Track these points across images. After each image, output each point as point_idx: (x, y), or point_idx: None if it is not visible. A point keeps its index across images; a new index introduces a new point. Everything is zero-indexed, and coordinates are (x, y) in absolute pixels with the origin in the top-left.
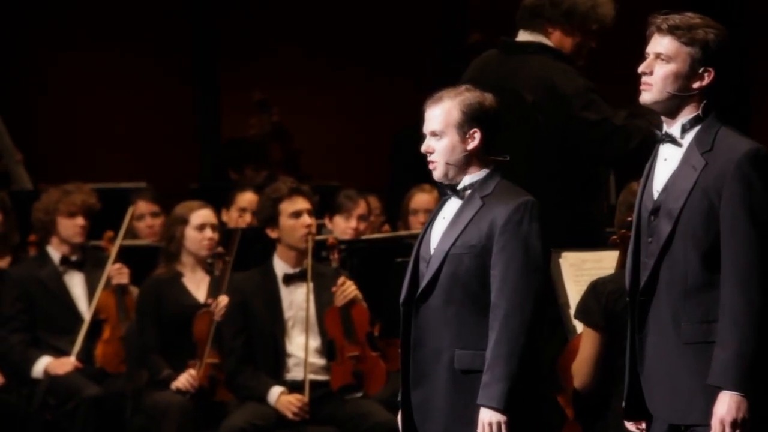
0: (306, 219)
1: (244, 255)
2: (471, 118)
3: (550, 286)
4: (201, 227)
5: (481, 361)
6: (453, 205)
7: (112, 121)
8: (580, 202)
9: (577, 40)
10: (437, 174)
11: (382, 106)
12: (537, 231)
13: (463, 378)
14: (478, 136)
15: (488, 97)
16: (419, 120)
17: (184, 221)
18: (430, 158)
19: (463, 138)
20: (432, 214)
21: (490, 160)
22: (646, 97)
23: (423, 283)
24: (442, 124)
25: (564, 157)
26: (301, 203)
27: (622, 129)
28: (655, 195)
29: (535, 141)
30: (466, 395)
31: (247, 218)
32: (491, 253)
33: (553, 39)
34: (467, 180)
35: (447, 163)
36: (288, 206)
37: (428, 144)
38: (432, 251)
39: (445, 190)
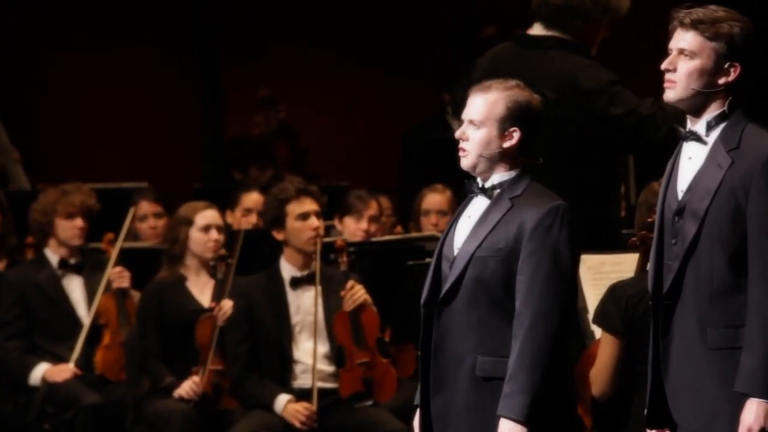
0: (314, 221)
1: (250, 257)
2: (515, 116)
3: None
4: (206, 228)
5: (503, 369)
6: (479, 204)
7: (112, 120)
8: (599, 202)
9: (602, 33)
10: (466, 163)
11: (391, 102)
12: (567, 238)
13: (485, 385)
14: (517, 135)
15: (536, 99)
16: (430, 117)
17: (189, 222)
18: (462, 145)
19: (502, 134)
20: (456, 212)
21: (521, 160)
22: (670, 94)
23: (446, 285)
24: (483, 114)
25: (582, 155)
26: (308, 205)
27: (650, 118)
28: (680, 195)
29: (553, 139)
30: (488, 404)
31: (253, 219)
32: (518, 257)
33: (583, 35)
34: (496, 179)
35: (479, 155)
36: (295, 208)
37: (464, 130)
38: (456, 251)
39: (471, 188)
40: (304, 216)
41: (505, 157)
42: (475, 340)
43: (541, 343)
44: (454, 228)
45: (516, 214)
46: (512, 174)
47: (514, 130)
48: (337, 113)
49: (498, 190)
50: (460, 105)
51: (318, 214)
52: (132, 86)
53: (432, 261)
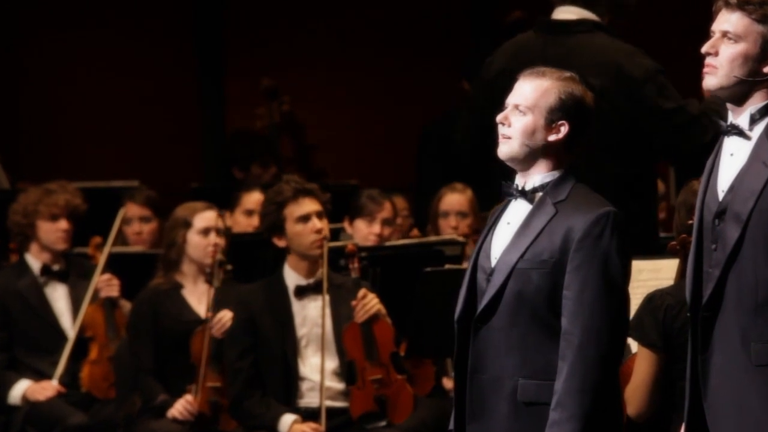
0: (316, 223)
1: (250, 264)
2: (565, 108)
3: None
4: (205, 231)
5: (548, 393)
6: (519, 208)
7: (101, 112)
8: (636, 202)
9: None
10: (506, 150)
11: (407, 93)
12: (618, 247)
13: (527, 411)
14: (564, 129)
15: (590, 95)
16: (449, 109)
17: (187, 225)
18: (502, 131)
19: (549, 125)
20: (492, 216)
21: (565, 160)
22: (710, 81)
23: (484, 301)
24: (532, 100)
25: (622, 151)
26: (308, 205)
27: (698, 119)
28: (720, 195)
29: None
30: (531, 431)
31: (254, 221)
32: (564, 270)
33: (615, 14)
34: (537, 180)
35: (522, 144)
36: (294, 210)
37: (507, 115)
38: (494, 262)
39: (509, 190)
40: (305, 218)
41: (548, 153)
42: (516, 361)
43: (592, 364)
44: (491, 235)
45: (561, 222)
46: (555, 175)
47: (563, 124)
48: (348, 105)
49: (540, 194)
50: (476, 102)
51: (320, 215)
52: (124, 75)
53: (466, 272)
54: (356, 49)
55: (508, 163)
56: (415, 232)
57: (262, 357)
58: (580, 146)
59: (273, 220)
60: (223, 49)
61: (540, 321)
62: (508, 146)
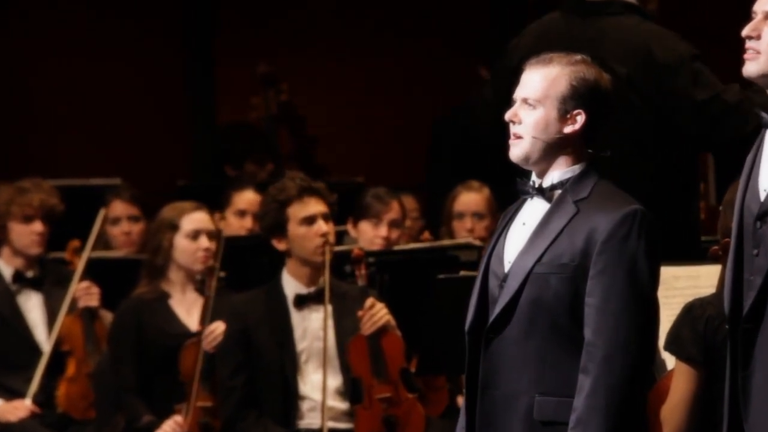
0: (321, 225)
1: (245, 270)
2: (579, 96)
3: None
4: (194, 235)
5: (567, 411)
6: (535, 207)
7: (79, 103)
8: (674, 202)
9: None
10: (517, 153)
11: (419, 82)
12: (646, 250)
13: (544, 431)
14: (581, 119)
15: (605, 78)
16: (466, 100)
17: (174, 227)
18: (513, 129)
19: (563, 117)
20: (505, 216)
21: (586, 153)
22: (751, 67)
23: (497, 309)
24: (541, 92)
25: (657, 145)
26: (314, 206)
27: (737, 108)
28: (762, 195)
29: (623, 125)
30: None
31: (248, 223)
32: (587, 275)
33: None
34: (556, 176)
35: (535, 138)
36: (298, 210)
37: (515, 112)
38: (508, 267)
39: (525, 188)
40: (309, 220)
41: (565, 147)
42: (532, 375)
43: (618, 380)
44: (504, 237)
45: (583, 222)
46: (575, 170)
47: (578, 113)
48: (353, 94)
49: (559, 191)
50: (498, 90)
51: (326, 217)
52: (103, 61)
53: (477, 278)
54: (362, 32)
55: (523, 166)
56: (427, 235)
57: (258, 374)
58: (601, 136)
59: (274, 219)
60: (213, 31)
61: (559, 331)
62: (519, 148)
